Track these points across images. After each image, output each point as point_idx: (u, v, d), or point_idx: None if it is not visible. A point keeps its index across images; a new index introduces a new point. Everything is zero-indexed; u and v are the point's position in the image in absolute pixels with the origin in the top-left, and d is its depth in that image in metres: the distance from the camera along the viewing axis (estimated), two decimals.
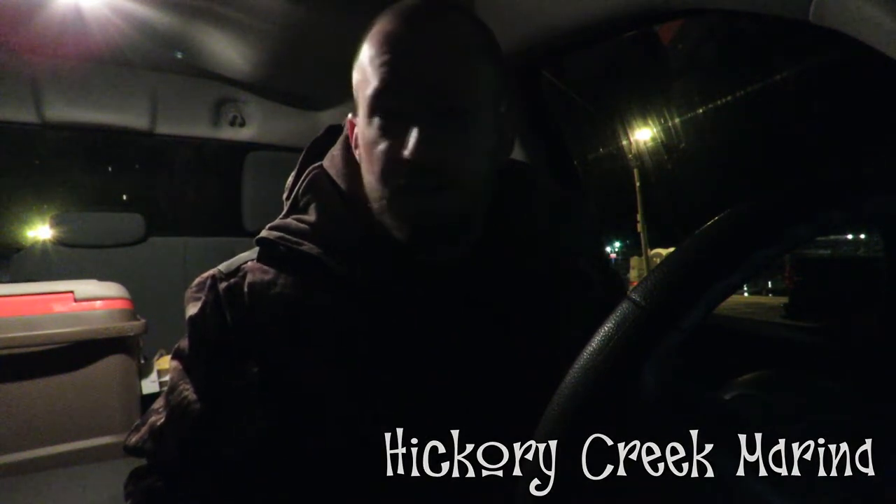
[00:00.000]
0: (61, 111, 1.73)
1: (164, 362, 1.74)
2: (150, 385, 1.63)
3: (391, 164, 0.53)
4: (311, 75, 1.60)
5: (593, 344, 0.34)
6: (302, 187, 0.62)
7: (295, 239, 0.58)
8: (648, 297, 0.33)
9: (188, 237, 2.16)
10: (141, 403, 1.54)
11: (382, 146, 0.53)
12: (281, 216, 0.63)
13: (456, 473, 0.50)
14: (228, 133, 1.96)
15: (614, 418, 0.33)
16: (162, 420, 0.59)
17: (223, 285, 0.60)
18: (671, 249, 0.35)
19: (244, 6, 1.22)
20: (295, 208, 0.62)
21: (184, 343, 0.62)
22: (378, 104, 0.53)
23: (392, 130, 0.53)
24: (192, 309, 0.61)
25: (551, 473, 0.33)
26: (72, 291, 1.44)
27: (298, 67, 1.54)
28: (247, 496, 0.57)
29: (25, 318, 1.36)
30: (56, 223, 1.95)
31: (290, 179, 0.66)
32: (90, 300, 1.45)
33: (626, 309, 0.33)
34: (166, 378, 1.68)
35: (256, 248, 0.62)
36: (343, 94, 1.67)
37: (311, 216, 0.60)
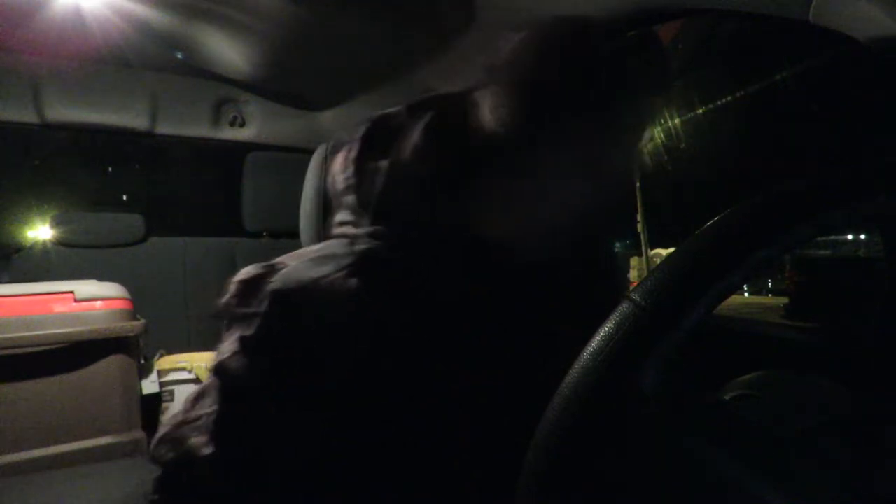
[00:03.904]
0: (61, 111, 1.73)
1: (164, 362, 1.74)
2: (150, 385, 1.63)
3: None
4: (311, 75, 1.60)
5: (593, 344, 0.34)
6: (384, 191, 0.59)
7: (388, 253, 0.56)
8: (648, 297, 0.33)
9: (188, 237, 2.16)
10: (141, 403, 1.54)
11: None
12: (370, 226, 0.59)
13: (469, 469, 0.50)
14: (228, 133, 1.96)
15: (614, 418, 0.33)
16: (206, 447, 0.53)
17: (283, 306, 0.54)
18: (671, 249, 0.35)
19: (244, 6, 1.22)
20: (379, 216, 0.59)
21: (233, 363, 0.55)
22: None
23: None
24: (245, 329, 0.55)
25: (551, 473, 0.33)
26: (72, 292, 1.44)
27: (298, 67, 1.54)
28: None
29: (25, 318, 1.36)
30: (56, 223, 1.95)
31: (351, 177, 0.62)
32: (90, 300, 1.45)
33: (626, 309, 0.33)
34: (166, 378, 1.69)
35: (312, 252, 0.58)
36: (343, 94, 1.67)
37: (398, 224, 0.58)
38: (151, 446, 0.57)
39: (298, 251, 0.62)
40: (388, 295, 0.54)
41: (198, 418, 0.55)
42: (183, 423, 0.56)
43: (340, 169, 0.63)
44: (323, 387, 0.52)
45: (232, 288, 0.57)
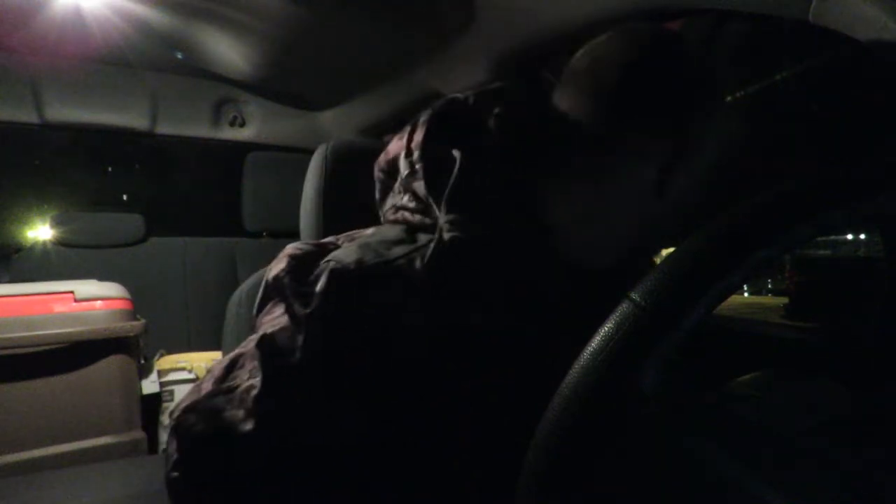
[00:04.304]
0: (61, 111, 1.73)
1: (165, 362, 1.74)
2: (150, 385, 1.63)
3: None
4: (311, 75, 1.60)
5: (593, 344, 0.34)
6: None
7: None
8: (648, 297, 0.33)
9: (188, 237, 2.16)
10: (141, 403, 1.54)
11: None
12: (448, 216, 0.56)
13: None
14: (228, 133, 1.97)
15: (614, 418, 0.33)
16: (247, 425, 0.51)
17: (353, 285, 0.52)
18: (671, 249, 0.35)
19: (244, 6, 1.22)
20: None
21: (284, 340, 0.53)
22: None
23: None
24: (309, 306, 0.53)
25: (551, 473, 0.33)
26: (72, 292, 1.44)
27: (298, 67, 1.54)
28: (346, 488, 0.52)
29: (25, 318, 1.36)
30: (56, 223, 1.95)
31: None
32: (90, 300, 1.45)
33: (626, 309, 0.33)
34: (166, 378, 1.69)
35: (365, 239, 0.56)
36: (343, 94, 1.67)
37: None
38: (175, 414, 0.53)
39: (349, 232, 0.60)
40: (456, 287, 0.52)
41: (232, 389, 0.52)
42: (217, 393, 0.53)
43: (402, 153, 0.59)
44: (369, 375, 0.51)
45: (283, 262, 0.56)
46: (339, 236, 0.60)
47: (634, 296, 0.33)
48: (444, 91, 1.25)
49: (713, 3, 0.69)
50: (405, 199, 0.59)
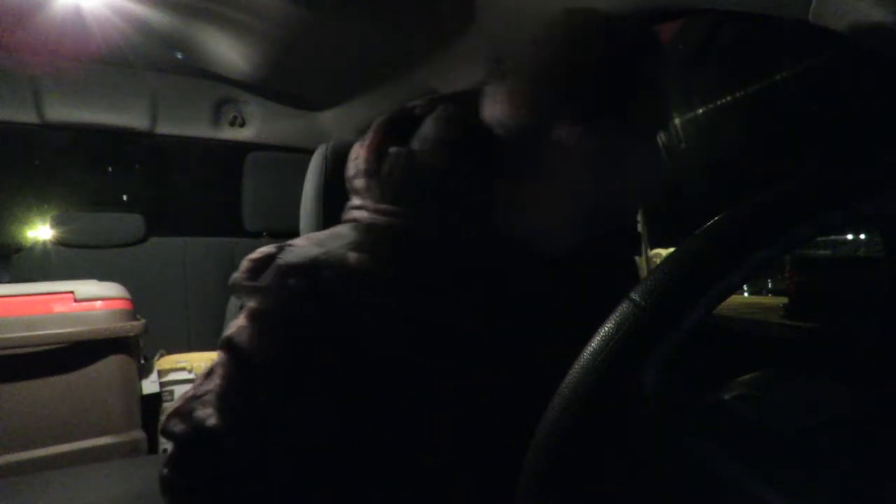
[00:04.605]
0: (61, 111, 1.73)
1: (164, 362, 1.74)
2: (150, 385, 1.63)
3: None
4: (311, 75, 1.60)
5: (593, 344, 0.34)
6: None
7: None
8: (648, 297, 0.33)
9: (188, 237, 2.16)
10: (141, 403, 1.54)
11: None
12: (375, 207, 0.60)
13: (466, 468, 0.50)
14: (228, 133, 1.97)
15: (614, 418, 0.33)
16: (212, 418, 0.54)
17: (298, 280, 0.54)
18: (671, 249, 0.35)
19: (244, 6, 1.22)
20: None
21: (242, 337, 0.55)
22: None
23: None
24: (260, 303, 0.55)
25: (551, 473, 0.33)
26: (72, 292, 1.44)
27: (298, 67, 1.54)
28: (323, 490, 0.54)
29: (25, 318, 1.36)
30: (56, 223, 1.95)
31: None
32: (90, 300, 1.45)
33: (626, 309, 0.33)
34: (166, 378, 1.69)
35: (319, 234, 0.58)
36: (343, 94, 1.67)
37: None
38: (163, 422, 0.57)
39: (309, 234, 0.62)
40: (409, 279, 0.54)
41: (206, 393, 0.56)
42: (192, 398, 0.56)
43: (355, 156, 0.63)
44: (334, 372, 0.52)
45: (244, 264, 0.58)
46: (303, 237, 0.62)
47: (634, 296, 0.33)
48: (445, 91, 1.25)
49: (713, 3, 0.69)
50: (357, 198, 0.62)
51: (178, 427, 0.55)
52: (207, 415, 0.54)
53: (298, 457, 0.53)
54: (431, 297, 0.54)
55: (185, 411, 0.56)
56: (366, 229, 0.57)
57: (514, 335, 0.56)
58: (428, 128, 0.59)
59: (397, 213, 0.57)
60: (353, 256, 0.54)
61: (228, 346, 0.55)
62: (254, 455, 0.52)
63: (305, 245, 0.57)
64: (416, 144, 0.59)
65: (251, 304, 0.55)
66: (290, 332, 0.53)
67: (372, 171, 0.60)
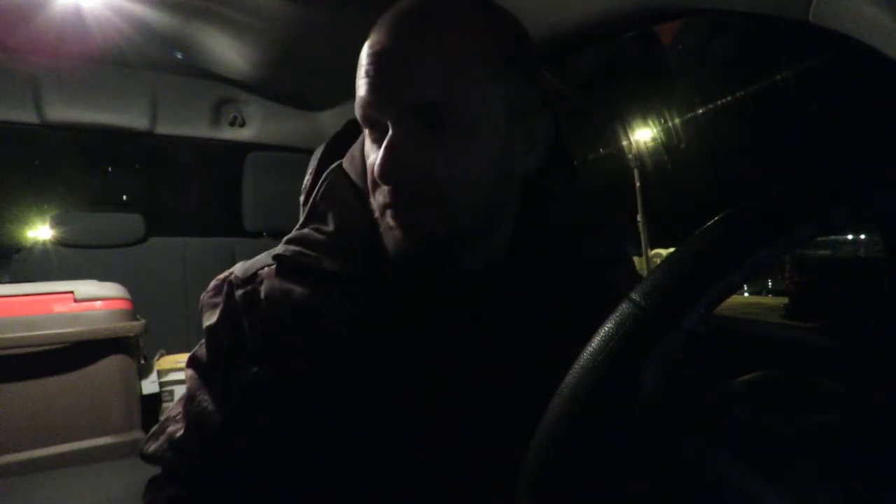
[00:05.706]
0: (61, 111, 1.73)
1: (165, 362, 1.74)
2: (150, 385, 1.63)
3: (373, 178, 0.52)
4: (311, 75, 1.60)
5: (593, 344, 0.34)
6: (320, 192, 0.59)
7: (314, 254, 0.56)
8: (648, 297, 0.33)
9: (188, 237, 2.16)
10: (141, 403, 1.54)
11: (370, 159, 0.52)
12: (299, 225, 0.61)
13: (461, 471, 0.50)
14: (228, 133, 1.96)
15: (614, 419, 0.33)
16: (181, 430, 0.57)
17: (240, 292, 0.58)
18: (671, 249, 0.35)
19: (244, 6, 1.23)
20: (313, 216, 0.59)
21: (201, 351, 0.60)
22: (362, 116, 0.52)
23: (378, 143, 0.51)
24: (209, 317, 0.60)
25: (551, 473, 0.33)
26: (72, 292, 1.44)
27: (298, 67, 1.54)
28: (270, 501, 0.55)
29: (25, 318, 1.37)
30: (56, 223, 1.95)
31: (307, 180, 0.63)
32: (90, 300, 1.45)
33: (626, 309, 0.33)
34: (166, 378, 1.69)
35: (274, 250, 0.60)
36: (343, 94, 1.67)
37: (330, 226, 0.57)
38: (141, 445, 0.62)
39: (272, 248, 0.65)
40: (366, 284, 0.55)
41: (178, 413, 0.60)
42: (167, 419, 0.61)
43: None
44: (278, 373, 0.55)
45: (211, 284, 0.63)
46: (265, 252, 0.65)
47: (634, 296, 0.33)
48: None
49: (713, 3, 0.69)
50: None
51: (150, 446, 0.59)
52: (176, 429, 0.58)
53: (291, 459, 0.54)
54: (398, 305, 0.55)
55: (157, 431, 0.60)
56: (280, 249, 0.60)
57: (531, 342, 0.55)
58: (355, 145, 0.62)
59: (298, 240, 0.60)
60: (270, 273, 0.58)
61: (189, 361, 0.60)
62: (222, 463, 0.55)
63: (260, 257, 0.61)
64: (342, 159, 0.62)
65: (208, 320, 0.59)
66: (239, 344, 0.56)
67: (308, 188, 0.63)
